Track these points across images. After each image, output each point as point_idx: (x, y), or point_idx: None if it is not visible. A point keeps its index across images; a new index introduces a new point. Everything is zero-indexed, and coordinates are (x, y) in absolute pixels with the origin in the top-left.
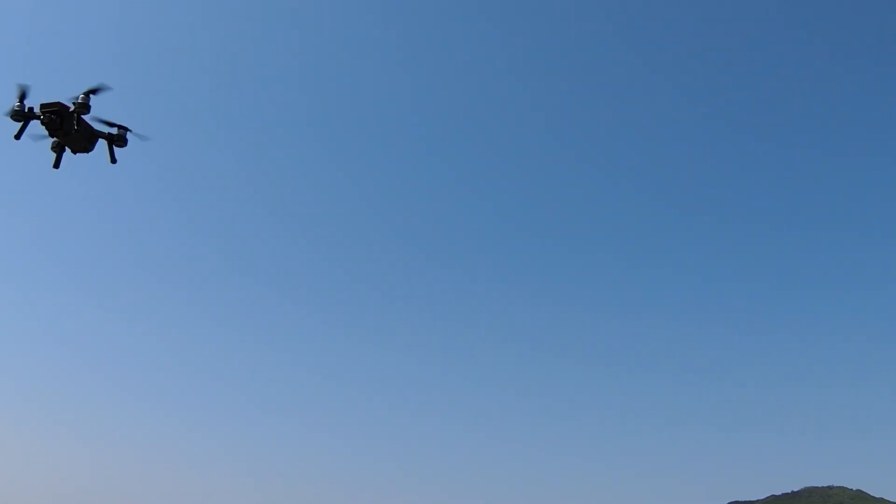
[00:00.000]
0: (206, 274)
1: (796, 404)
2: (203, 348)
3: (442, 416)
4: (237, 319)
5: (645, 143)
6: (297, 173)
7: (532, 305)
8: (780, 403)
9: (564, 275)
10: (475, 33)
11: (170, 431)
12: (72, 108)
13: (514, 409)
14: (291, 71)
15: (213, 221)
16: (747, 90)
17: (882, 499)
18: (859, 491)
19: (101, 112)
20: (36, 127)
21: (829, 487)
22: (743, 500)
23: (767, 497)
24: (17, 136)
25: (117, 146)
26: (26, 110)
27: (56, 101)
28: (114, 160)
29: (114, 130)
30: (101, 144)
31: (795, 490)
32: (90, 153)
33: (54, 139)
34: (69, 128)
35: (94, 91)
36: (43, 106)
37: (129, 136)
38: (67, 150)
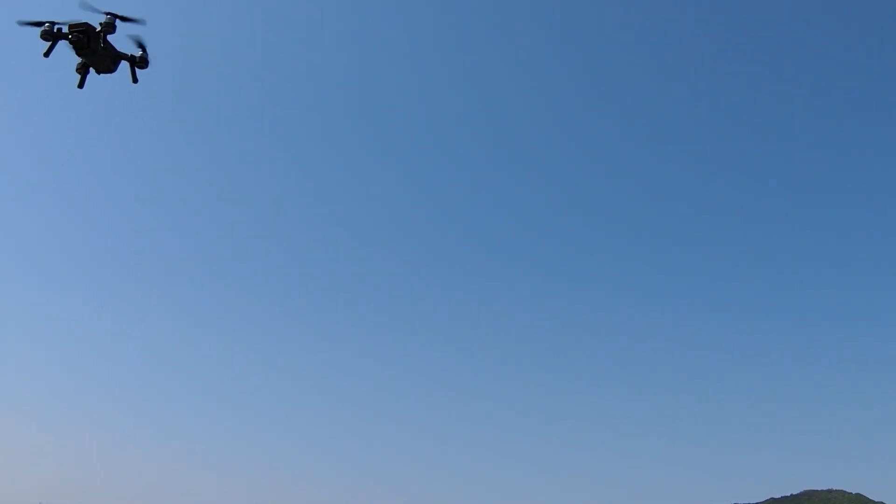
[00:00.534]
0: (213, 272)
1: (796, 407)
2: (208, 347)
3: (448, 416)
4: (243, 318)
5: (651, 143)
6: (302, 172)
7: (537, 304)
8: (780, 406)
9: (569, 274)
10: (480, 32)
11: (175, 430)
12: (98, 28)
13: (516, 407)
14: (298, 69)
15: (219, 220)
16: (753, 89)
17: (881, 502)
18: (859, 494)
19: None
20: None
21: (829, 491)
22: (742, 502)
23: (767, 500)
24: (46, 54)
25: (139, 67)
26: (55, 30)
27: (83, 21)
28: (135, 80)
29: (136, 52)
30: (124, 66)
31: (795, 493)
32: (113, 73)
33: (79, 60)
34: (95, 47)
35: (123, 17)
36: (71, 26)
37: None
38: (92, 71)
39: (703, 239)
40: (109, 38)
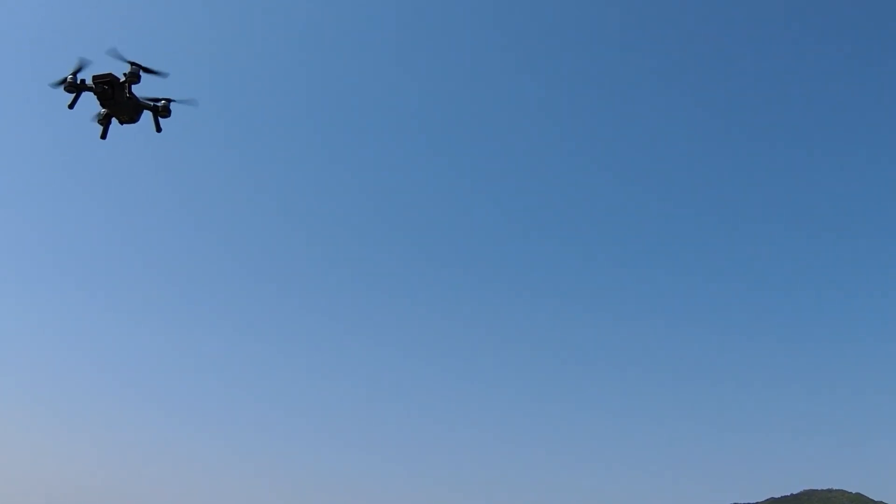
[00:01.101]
0: (213, 273)
1: (796, 407)
2: (208, 347)
3: (446, 417)
4: (242, 318)
5: (650, 144)
6: (301, 173)
7: (535, 306)
8: (781, 406)
9: (567, 275)
10: (480, 33)
11: (175, 430)
12: (123, 78)
13: (515, 408)
14: (297, 71)
15: (218, 221)
16: (752, 91)
17: (881, 501)
18: (859, 494)
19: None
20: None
21: (829, 490)
22: (742, 502)
23: (767, 500)
24: (71, 106)
25: (162, 117)
26: (79, 82)
27: (108, 72)
28: (159, 129)
29: (159, 102)
30: (147, 115)
31: (795, 493)
32: (136, 123)
33: (102, 111)
34: (120, 97)
35: (147, 69)
36: (95, 77)
37: (174, 105)
38: (114, 121)
39: (701, 241)
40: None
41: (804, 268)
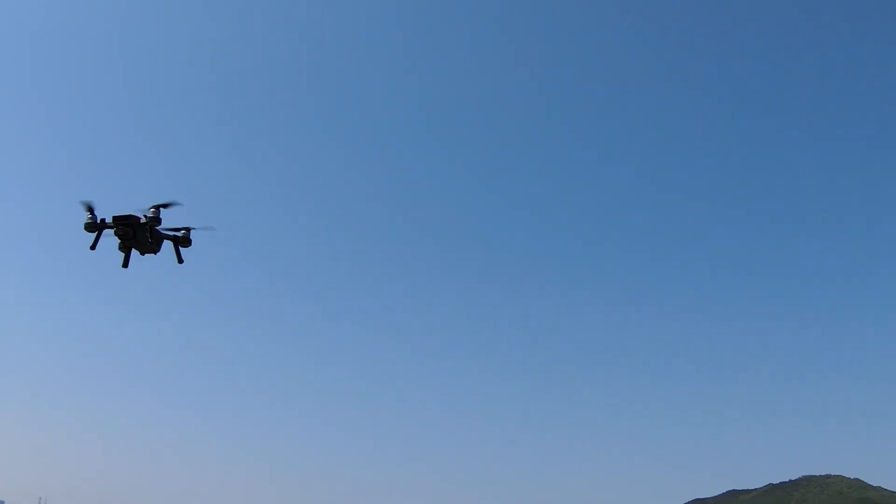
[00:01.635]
0: (216, 268)
1: (795, 394)
2: (210, 343)
3: (457, 413)
4: (245, 314)
5: (661, 139)
6: (311, 172)
7: (536, 298)
8: (779, 393)
9: (569, 268)
10: (485, 32)
11: (174, 425)
12: (143, 219)
13: (516, 400)
14: (301, 67)
15: (222, 216)
16: (762, 83)
17: (880, 487)
18: (857, 480)
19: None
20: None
21: (828, 476)
22: (741, 488)
23: (765, 486)
24: (93, 247)
25: (182, 246)
26: (99, 221)
27: (128, 214)
28: (181, 260)
29: (179, 233)
30: (167, 245)
31: (793, 479)
32: (157, 254)
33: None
34: (142, 237)
35: (164, 205)
36: (116, 219)
37: (192, 233)
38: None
39: (703, 231)
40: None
41: (800, 258)
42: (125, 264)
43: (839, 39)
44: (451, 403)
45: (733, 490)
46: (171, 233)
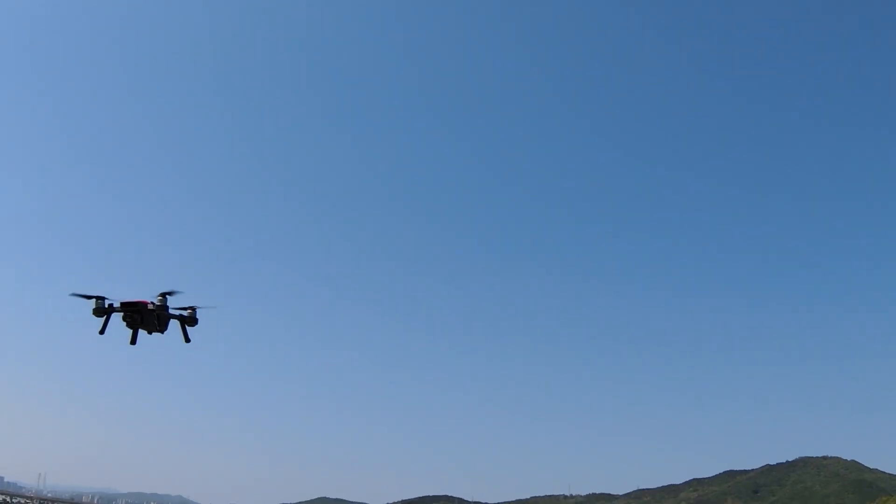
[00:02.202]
0: (225, 261)
1: (792, 376)
2: (211, 334)
3: (458, 395)
4: (254, 302)
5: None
6: (330, 170)
7: (539, 280)
8: (776, 375)
9: (577, 253)
10: (490, 29)
11: (172, 405)
12: (151, 306)
13: (518, 384)
14: (302, 66)
15: (229, 210)
16: (782, 71)
17: (876, 469)
18: (854, 461)
19: None
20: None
21: (824, 458)
22: (739, 469)
23: (763, 466)
24: (101, 332)
25: (189, 326)
26: (107, 306)
27: (137, 300)
28: (187, 339)
29: (185, 312)
30: (174, 324)
31: (790, 460)
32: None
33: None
34: (149, 320)
35: (169, 293)
36: (124, 305)
37: (198, 312)
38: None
39: (707, 216)
40: None
41: (796, 240)
42: (133, 341)
43: (839, 38)
44: (452, 388)
45: (731, 470)
46: (177, 312)
